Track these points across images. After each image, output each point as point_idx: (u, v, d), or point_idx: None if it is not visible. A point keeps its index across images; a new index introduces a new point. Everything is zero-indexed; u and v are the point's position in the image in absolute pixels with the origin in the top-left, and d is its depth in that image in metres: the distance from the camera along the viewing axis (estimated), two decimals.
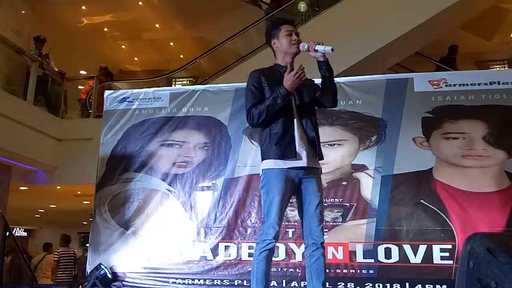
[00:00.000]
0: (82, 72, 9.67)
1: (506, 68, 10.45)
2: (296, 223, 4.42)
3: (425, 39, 8.06)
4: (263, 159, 2.77)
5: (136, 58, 12.31)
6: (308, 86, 2.87)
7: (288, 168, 2.68)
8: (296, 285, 4.24)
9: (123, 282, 4.56)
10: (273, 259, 4.26)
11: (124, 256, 4.64)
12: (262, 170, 2.75)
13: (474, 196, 4.22)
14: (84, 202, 9.52)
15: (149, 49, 11.73)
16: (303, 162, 2.69)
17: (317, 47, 2.68)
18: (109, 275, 4.51)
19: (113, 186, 4.89)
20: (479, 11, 8.37)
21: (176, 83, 10.41)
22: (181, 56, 11.46)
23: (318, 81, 2.88)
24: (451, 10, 7.09)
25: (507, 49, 10.84)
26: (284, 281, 4.28)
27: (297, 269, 4.30)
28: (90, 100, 8.02)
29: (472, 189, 4.25)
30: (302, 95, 2.82)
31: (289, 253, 4.36)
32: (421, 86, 4.57)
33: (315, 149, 2.76)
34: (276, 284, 4.28)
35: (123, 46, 11.83)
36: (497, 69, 10.13)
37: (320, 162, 2.83)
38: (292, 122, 2.74)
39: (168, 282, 4.47)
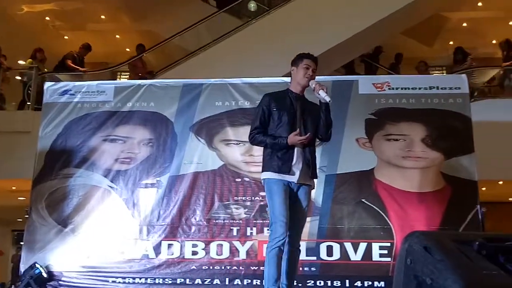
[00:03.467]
0: (21, 62, 9.20)
1: (445, 74, 10.95)
2: (240, 221, 4.43)
3: (370, 43, 8.31)
4: (263, 170, 3.16)
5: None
6: (313, 115, 3.21)
7: (284, 179, 3.07)
8: (240, 283, 4.24)
9: (60, 282, 4.39)
10: (217, 257, 4.32)
11: (62, 255, 4.47)
12: (263, 179, 3.16)
13: (412, 195, 4.39)
14: (19, 198, 9.06)
15: (93, 41, 11.29)
16: (295, 178, 3.08)
17: (320, 92, 3.08)
18: (45, 275, 4.34)
19: (52, 182, 4.70)
20: (422, 18, 8.71)
21: (121, 77, 10.13)
22: (127, 49, 11.16)
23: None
24: (395, 16, 7.34)
25: (446, 55, 11.35)
26: (227, 279, 4.27)
27: (241, 267, 4.30)
28: (29, 91, 7.66)
29: (411, 189, 4.42)
30: (307, 123, 3.17)
31: (233, 251, 4.36)
32: (365, 89, 4.69)
33: (309, 169, 3.14)
34: (219, 282, 4.26)
35: (66, 37, 11.37)
36: (437, 74, 10.58)
37: None
38: (293, 146, 3.09)
39: (108, 281, 4.35)
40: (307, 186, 3.16)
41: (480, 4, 9.87)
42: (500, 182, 8.00)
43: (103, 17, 10.98)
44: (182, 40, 8.77)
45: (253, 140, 3.23)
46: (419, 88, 4.69)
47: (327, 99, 3.06)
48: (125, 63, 8.84)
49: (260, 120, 3.18)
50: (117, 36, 11.48)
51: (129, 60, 8.77)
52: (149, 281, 4.31)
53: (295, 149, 3.10)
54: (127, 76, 9.91)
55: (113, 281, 4.34)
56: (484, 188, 5.69)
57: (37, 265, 4.33)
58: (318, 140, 3.31)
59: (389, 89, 4.70)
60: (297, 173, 3.08)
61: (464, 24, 10.65)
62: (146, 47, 8.88)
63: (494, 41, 10.82)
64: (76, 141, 4.78)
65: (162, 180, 4.62)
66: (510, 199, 11.23)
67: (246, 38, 7.55)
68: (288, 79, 4.79)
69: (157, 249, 4.42)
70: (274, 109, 3.16)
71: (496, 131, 6.34)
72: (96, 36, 11.19)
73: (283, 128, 3.11)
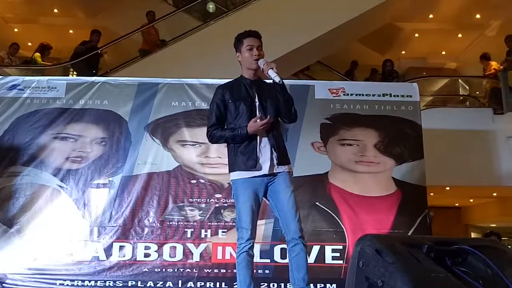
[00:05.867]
0: None
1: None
2: (195, 223, 4.38)
3: (326, 49, 8.46)
4: (230, 171, 2.94)
5: (30, 44, 11.42)
6: (272, 97, 2.96)
7: (252, 177, 2.85)
8: (192, 285, 4.20)
9: (3, 284, 4.19)
10: (170, 259, 4.25)
11: (6, 256, 4.27)
12: (231, 180, 2.94)
13: (364, 199, 4.49)
14: None
15: (45, 35, 10.93)
16: (264, 171, 2.86)
17: (269, 72, 2.82)
18: None
19: None
20: (376, 27, 8.95)
21: (74, 73, 9.82)
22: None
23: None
24: (350, 24, 7.51)
25: (398, 64, 11.71)
26: (180, 281, 4.22)
27: (194, 269, 4.26)
28: None
29: (363, 193, 4.52)
30: (266, 108, 2.93)
31: (187, 253, 4.31)
32: (321, 94, 4.77)
33: (279, 155, 2.90)
34: (172, 285, 4.20)
35: (16, 29, 10.94)
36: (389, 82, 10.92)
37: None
38: (254, 134, 2.86)
39: (55, 284, 4.19)
40: (283, 174, 2.91)
41: (431, 16, 10.27)
42: (447, 188, 8.34)
43: (56, 10, 10.64)
44: (139, 38, 8.62)
45: (211, 138, 2.97)
46: (373, 95, 4.81)
47: (277, 79, 2.79)
48: (138, 31, 8.51)
49: (215, 115, 2.95)
50: (71, 31, 11.15)
51: (142, 28, 8.50)
52: (99, 283, 4.19)
53: (257, 138, 2.87)
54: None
55: (61, 284, 4.18)
56: (432, 194, 5.91)
57: None
58: (284, 122, 3.07)
59: (344, 95, 4.80)
60: (266, 164, 2.86)
61: (416, 35, 11.05)
62: (101, 43, 8.65)
63: (443, 52, 11.29)
64: (24, 138, 4.59)
65: (114, 180, 4.51)
66: (456, 204, 11.72)
67: (204, 38, 7.51)
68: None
69: (108, 251, 4.30)
70: (230, 101, 2.94)
71: (444, 139, 6.61)
72: (48, 30, 10.84)
73: (242, 118, 2.88)
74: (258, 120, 2.81)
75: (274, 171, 2.89)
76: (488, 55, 8.51)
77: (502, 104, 7.56)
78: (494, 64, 8.30)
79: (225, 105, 2.96)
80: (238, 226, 2.87)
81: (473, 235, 12.01)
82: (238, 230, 2.87)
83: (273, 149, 2.89)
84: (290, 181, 2.93)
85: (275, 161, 2.89)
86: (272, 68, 2.82)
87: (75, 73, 9.38)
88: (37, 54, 8.26)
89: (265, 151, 2.89)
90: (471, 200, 11.07)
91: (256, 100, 2.96)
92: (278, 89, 2.89)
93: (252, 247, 2.84)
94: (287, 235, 2.87)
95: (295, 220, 2.84)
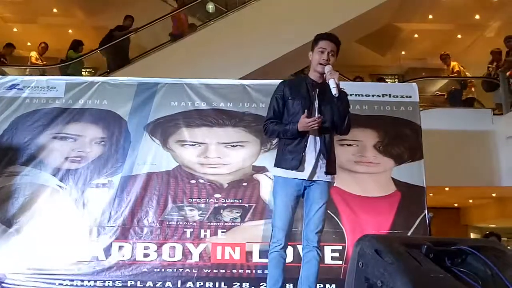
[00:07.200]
0: None
1: (396, 82, 11.32)
2: (194, 223, 4.38)
3: None
4: (274, 166, 2.99)
5: (29, 43, 11.43)
6: (332, 103, 2.93)
7: (292, 177, 2.89)
8: (192, 285, 4.20)
9: (3, 284, 4.19)
10: (169, 259, 4.25)
11: (5, 256, 4.27)
12: (273, 175, 3.03)
13: (364, 200, 4.48)
14: None
15: (45, 34, 10.95)
16: (304, 175, 2.88)
17: (330, 82, 2.81)
18: None
19: None
20: (376, 28, 8.96)
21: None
22: None
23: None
24: (349, 25, 7.51)
25: (398, 65, 11.73)
26: (179, 281, 4.21)
27: (193, 270, 4.25)
28: None
29: (362, 194, 4.51)
30: (324, 113, 2.92)
31: (186, 253, 4.30)
32: None
33: (324, 163, 2.91)
34: (171, 285, 4.20)
35: (15, 29, 10.94)
36: (389, 82, 10.92)
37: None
38: (306, 136, 2.89)
39: (54, 284, 4.19)
40: (322, 183, 2.92)
41: (431, 16, 10.28)
42: (447, 189, 8.35)
43: (55, 10, 10.64)
44: (138, 38, 8.62)
45: (266, 131, 3.02)
46: (372, 95, 4.80)
47: (334, 91, 2.77)
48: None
49: (273, 110, 2.98)
50: (70, 31, 11.15)
51: (172, 13, 8.57)
52: (98, 283, 4.18)
53: (308, 141, 2.88)
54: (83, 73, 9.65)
55: (60, 284, 4.18)
56: (431, 194, 5.92)
57: None
58: (336, 133, 3.07)
59: None
60: (308, 169, 2.87)
61: (416, 35, 11.05)
62: (100, 43, 8.66)
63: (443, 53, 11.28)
64: (23, 138, 4.58)
65: (114, 180, 4.50)
66: (455, 204, 11.73)
67: (204, 39, 7.52)
68: (246, 82, 4.87)
69: (107, 251, 4.30)
70: (289, 98, 2.95)
71: (444, 139, 6.61)
72: (48, 30, 10.86)
73: (298, 117, 2.85)
74: (307, 118, 2.81)
75: (314, 178, 2.91)
76: (449, 55, 8.70)
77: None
78: (456, 65, 8.42)
79: (284, 101, 2.98)
80: (273, 224, 2.94)
81: (472, 235, 12.03)
82: (272, 228, 2.94)
83: (320, 155, 2.90)
84: (326, 192, 2.95)
85: (318, 168, 2.90)
86: (334, 79, 2.81)
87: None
88: (71, 51, 8.62)
89: (310, 157, 2.89)
90: (471, 201, 11.08)
91: (316, 102, 2.95)
92: (334, 99, 2.87)
93: (284, 247, 2.90)
94: (304, 241, 2.95)
95: (314, 232, 2.92)
